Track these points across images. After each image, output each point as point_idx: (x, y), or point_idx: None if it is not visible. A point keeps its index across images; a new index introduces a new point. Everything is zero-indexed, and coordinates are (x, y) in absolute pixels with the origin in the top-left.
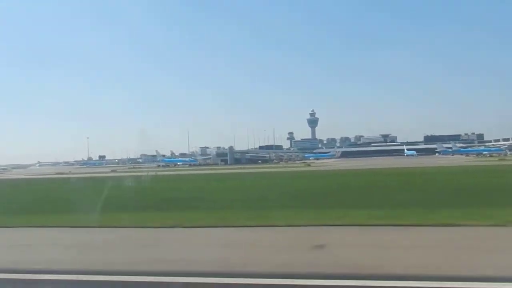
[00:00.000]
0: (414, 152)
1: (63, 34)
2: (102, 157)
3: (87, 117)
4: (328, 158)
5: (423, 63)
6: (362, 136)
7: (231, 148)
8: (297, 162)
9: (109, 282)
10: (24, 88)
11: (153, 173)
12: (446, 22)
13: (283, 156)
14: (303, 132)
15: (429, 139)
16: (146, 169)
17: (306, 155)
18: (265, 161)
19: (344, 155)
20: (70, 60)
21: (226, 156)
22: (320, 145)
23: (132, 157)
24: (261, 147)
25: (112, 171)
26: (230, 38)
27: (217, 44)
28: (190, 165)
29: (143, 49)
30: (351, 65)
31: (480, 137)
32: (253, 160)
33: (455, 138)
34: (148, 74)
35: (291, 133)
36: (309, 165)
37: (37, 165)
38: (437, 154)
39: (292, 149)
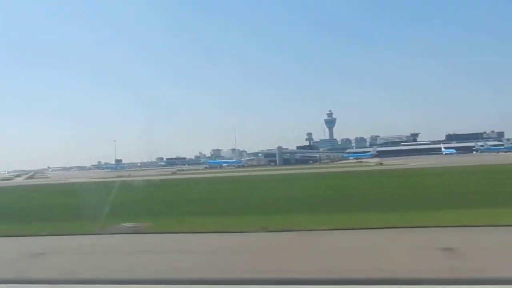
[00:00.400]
0: (454, 151)
1: (62, 35)
2: (118, 161)
3: (85, 119)
4: (368, 158)
5: (432, 66)
6: (378, 136)
7: (279, 148)
8: (350, 161)
9: None
10: (14, 90)
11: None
12: (451, 23)
13: (329, 156)
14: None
15: (451, 137)
16: (213, 171)
17: (344, 155)
18: (315, 161)
19: (379, 154)
20: (70, 60)
21: (274, 157)
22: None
23: (143, 160)
24: (298, 148)
25: (173, 173)
26: (231, 40)
27: (218, 46)
28: (238, 166)
29: (143, 49)
30: (359, 68)
31: (500, 134)
32: (303, 161)
33: (477, 136)
34: (148, 76)
35: (309, 134)
36: (381, 163)
37: (50, 170)
38: (474, 152)
39: (321, 149)
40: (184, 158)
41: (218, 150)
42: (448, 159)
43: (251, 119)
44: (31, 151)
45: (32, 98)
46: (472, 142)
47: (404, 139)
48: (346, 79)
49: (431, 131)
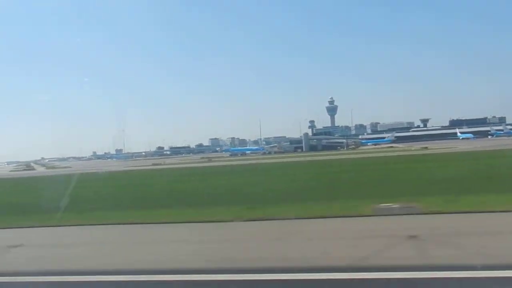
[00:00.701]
0: (471, 135)
1: (57, 33)
2: (119, 151)
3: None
4: (388, 143)
5: (429, 55)
6: (378, 123)
7: (306, 134)
8: (376, 147)
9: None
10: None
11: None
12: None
13: (355, 142)
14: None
15: (455, 123)
16: (248, 158)
17: (362, 141)
18: (342, 147)
19: (396, 140)
20: (67, 56)
21: (299, 143)
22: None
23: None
24: (314, 134)
25: (210, 160)
26: (230, 39)
27: (211, 44)
28: (264, 153)
29: (132, 42)
30: (356, 58)
31: (502, 119)
32: (329, 147)
33: (482, 121)
34: (144, 71)
35: (312, 122)
36: (426, 147)
37: (46, 160)
38: (489, 136)
39: (336, 135)
40: (189, 147)
41: (217, 139)
42: (480, 143)
43: (250, 110)
44: (19, 143)
45: (23, 93)
46: (483, 126)
47: (405, 125)
48: (344, 70)
49: (430, 117)
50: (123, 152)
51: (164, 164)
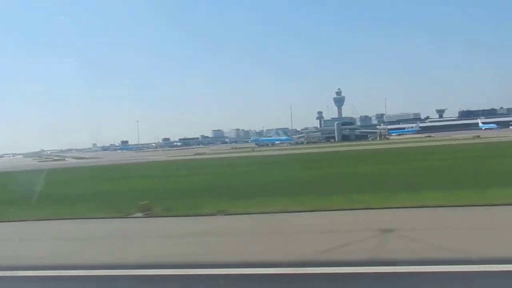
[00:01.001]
0: (494, 126)
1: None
2: (124, 142)
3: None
4: (414, 133)
5: (433, 47)
6: (383, 114)
7: (339, 124)
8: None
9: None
10: None
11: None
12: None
13: (386, 132)
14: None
15: (464, 114)
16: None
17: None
18: (375, 137)
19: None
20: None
21: (331, 133)
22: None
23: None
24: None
25: (252, 150)
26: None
27: (220, 35)
28: (296, 143)
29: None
30: (360, 50)
31: (510, 110)
32: (362, 137)
33: (491, 112)
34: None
35: (320, 113)
36: (478, 136)
37: (48, 152)
38: (510, 127)
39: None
40: (198, 138)
41: (220, 131)
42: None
43: (254, 101)
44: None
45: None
46: (495, 117)
47: (411, 116)
48: (349, 61)
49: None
50: (129, 144)
51: (208, 154)
